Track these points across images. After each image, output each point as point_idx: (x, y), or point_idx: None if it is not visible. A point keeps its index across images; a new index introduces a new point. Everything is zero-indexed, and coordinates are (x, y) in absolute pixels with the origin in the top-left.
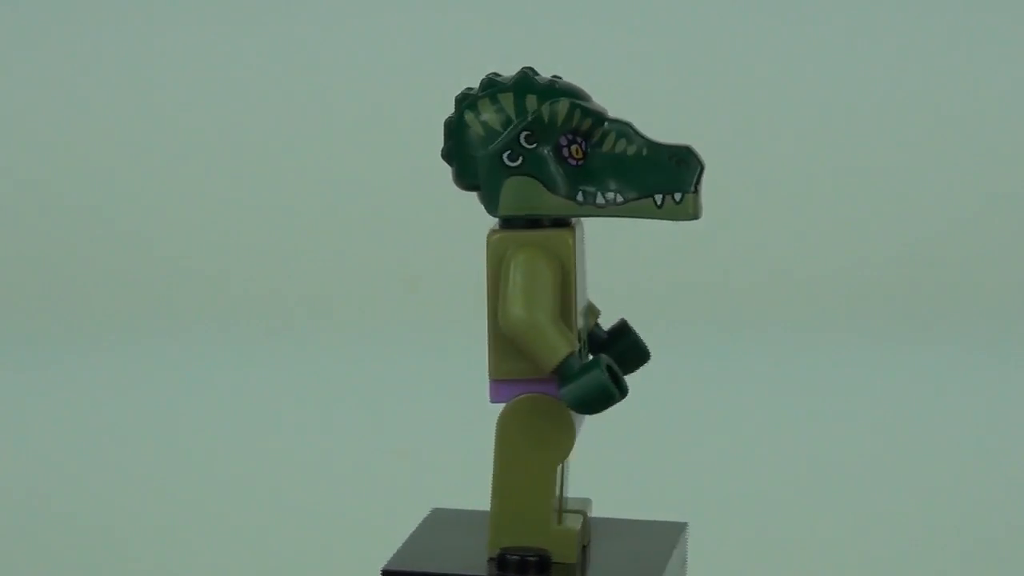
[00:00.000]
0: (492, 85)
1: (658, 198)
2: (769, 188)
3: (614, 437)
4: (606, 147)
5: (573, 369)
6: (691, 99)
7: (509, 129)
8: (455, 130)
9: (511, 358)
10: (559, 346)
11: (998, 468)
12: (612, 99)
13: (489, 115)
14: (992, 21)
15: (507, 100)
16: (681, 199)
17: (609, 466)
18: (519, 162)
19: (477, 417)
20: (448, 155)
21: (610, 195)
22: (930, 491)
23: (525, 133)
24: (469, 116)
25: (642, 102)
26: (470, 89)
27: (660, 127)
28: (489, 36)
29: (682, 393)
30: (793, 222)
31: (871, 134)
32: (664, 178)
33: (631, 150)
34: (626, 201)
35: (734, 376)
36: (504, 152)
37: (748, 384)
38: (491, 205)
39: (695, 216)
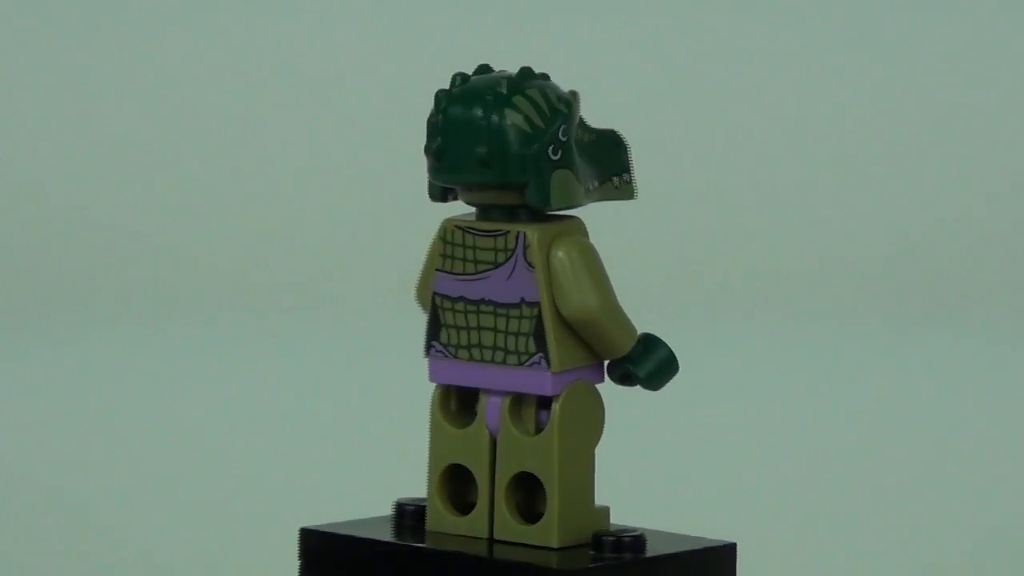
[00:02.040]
0: (521, 79)
1: (615, 180)
2: (764, 184)
3: None
4: (575, 136)
5: (638, 348)
6: (689, 96)
7: (550, 123)
8: (496, 131)
9: (568, 349)
10: (632, 328)
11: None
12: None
13: (529, 112)
14: (990, 20)
15: (536, 95)
16: (629, 179)
17: None
18: (559, 156)
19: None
20: (490, 158)
21: (589, 181)
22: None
23: (563, 127)
24: (511, 114)
25: (636, 100)
26: (451, 88)
27: (659, 123)
28: (485, 33)
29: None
30: (786, 216)
31: (869, 129)
32: (614, 161)
33: (587, 138)
34: (599, 186)
35: (723, 369)
36: (550, 146)
37: (736, 379)
38: (543, 201)
39: (636, 196)
